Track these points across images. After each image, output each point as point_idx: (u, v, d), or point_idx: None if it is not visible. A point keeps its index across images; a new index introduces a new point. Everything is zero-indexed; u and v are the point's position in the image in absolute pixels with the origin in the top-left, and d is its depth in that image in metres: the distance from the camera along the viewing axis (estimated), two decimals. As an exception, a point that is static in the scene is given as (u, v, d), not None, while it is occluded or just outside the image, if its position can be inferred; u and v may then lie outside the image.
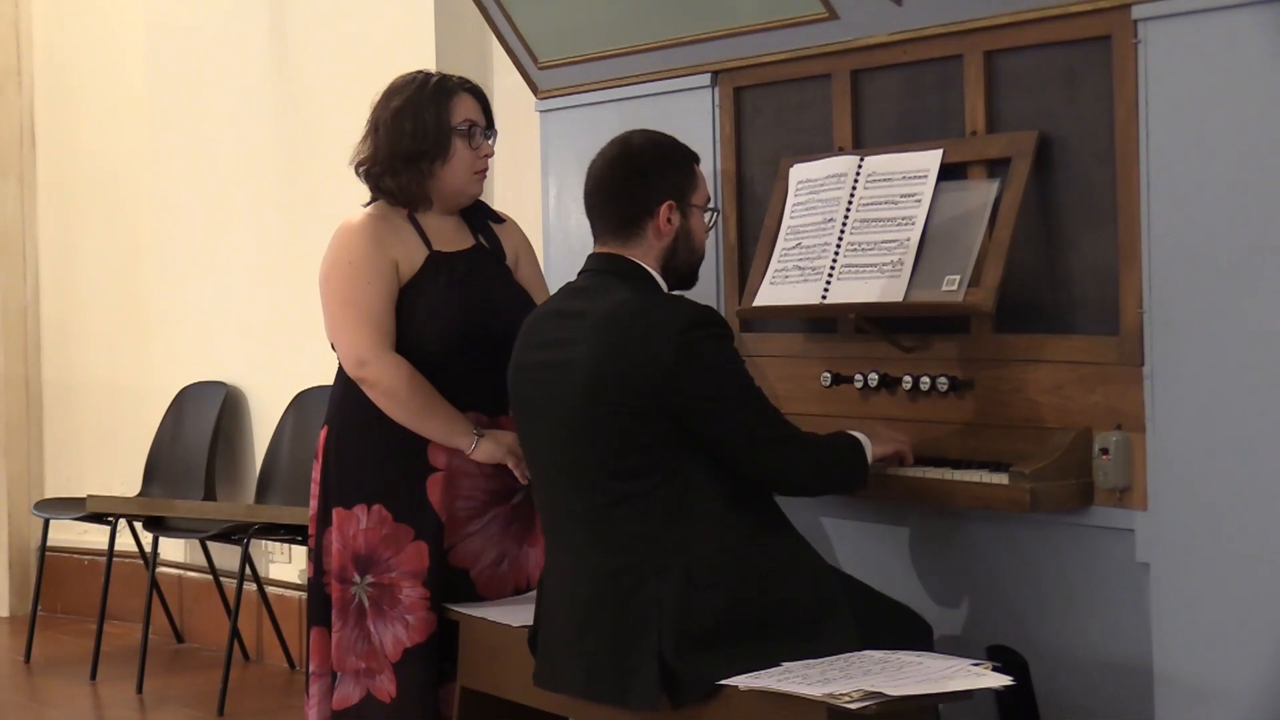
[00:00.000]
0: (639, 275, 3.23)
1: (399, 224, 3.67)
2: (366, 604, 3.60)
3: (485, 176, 3.74)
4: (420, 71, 3.74)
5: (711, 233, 3.41)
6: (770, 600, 3.08)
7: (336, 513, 3.64)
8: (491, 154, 3.73)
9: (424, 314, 3.61)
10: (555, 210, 4.39)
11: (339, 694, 3.63)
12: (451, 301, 3.62)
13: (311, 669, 3.71)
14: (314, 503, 3.72)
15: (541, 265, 4.37)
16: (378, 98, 3.72)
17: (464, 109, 3.67)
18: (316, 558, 3.70)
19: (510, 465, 3.59)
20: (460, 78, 3.75)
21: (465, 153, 3.66)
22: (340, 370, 3.68)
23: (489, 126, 3.72)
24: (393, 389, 3.56)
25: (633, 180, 3.26)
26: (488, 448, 3.58)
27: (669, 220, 3.24)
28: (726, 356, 3.13)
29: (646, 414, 3.07)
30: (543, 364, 3.23)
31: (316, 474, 3.72)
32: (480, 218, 3.78)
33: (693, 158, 3.34)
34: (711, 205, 3.37)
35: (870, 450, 3.26)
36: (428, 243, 3.66)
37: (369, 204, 3.73)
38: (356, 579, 3.61)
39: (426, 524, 3.60)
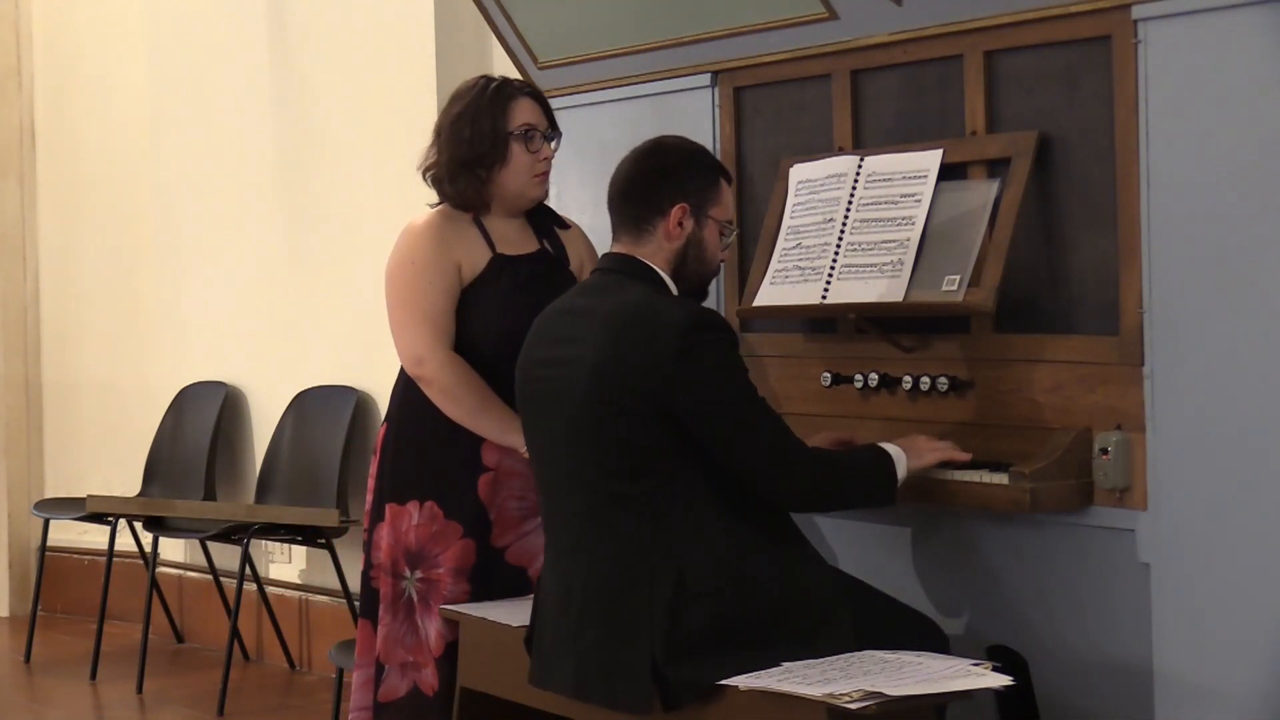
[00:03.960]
0: (649, 276, 3.22)
1: (464, 226, 3.71)
2: (415, 599, 3.66)
3: (547, 179, 3.77)
4: (483, 77, 3.78)
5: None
6: (764, 611, 3.06)
7: (390, 508, 3.70)
8: (551, 157, 3.76)
9: (484, 315, 3.66)
10: (555, 210, 4.38)
11: (386, 686, 3.69)
12: (512, 304, 3.65)
13: (355, 659, 3.79)
14: (369, 497, 3.79)
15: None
16: (443, 104, 3.78)
17: (522, 113, 3.71)
18: (367, 551, 3.76)
19: None
20: (520, 81, 3.81)
21: (523, 157, 3.70)
22: (402, 369, 3.73)
23: (551, 129, 3.76)
24: (449, 387, 3.62)
25: (652, 177, 3.25)
26: None
27: (680, 224, 3.22)
28: (728, 362, 3.10)
29: (646, 415, 3.06)
30: (549, 360, 3.23)
31: (373, 469, 3.78)
32: (545, 222, 3.82)
33: (721, 171, 3.32)
34: (732, 225, 3.32)
35: (904, 465, 3.19)
36: (492, 245, 3.70)
37: (437, 204, 3.77)
38: (407, 574, 3.67)
39: (475, 521, 3.66)
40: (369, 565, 3.76)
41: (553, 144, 3.76)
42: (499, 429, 3.63)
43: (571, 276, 3.78)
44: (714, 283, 3.88)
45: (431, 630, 3.65)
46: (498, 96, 3.71)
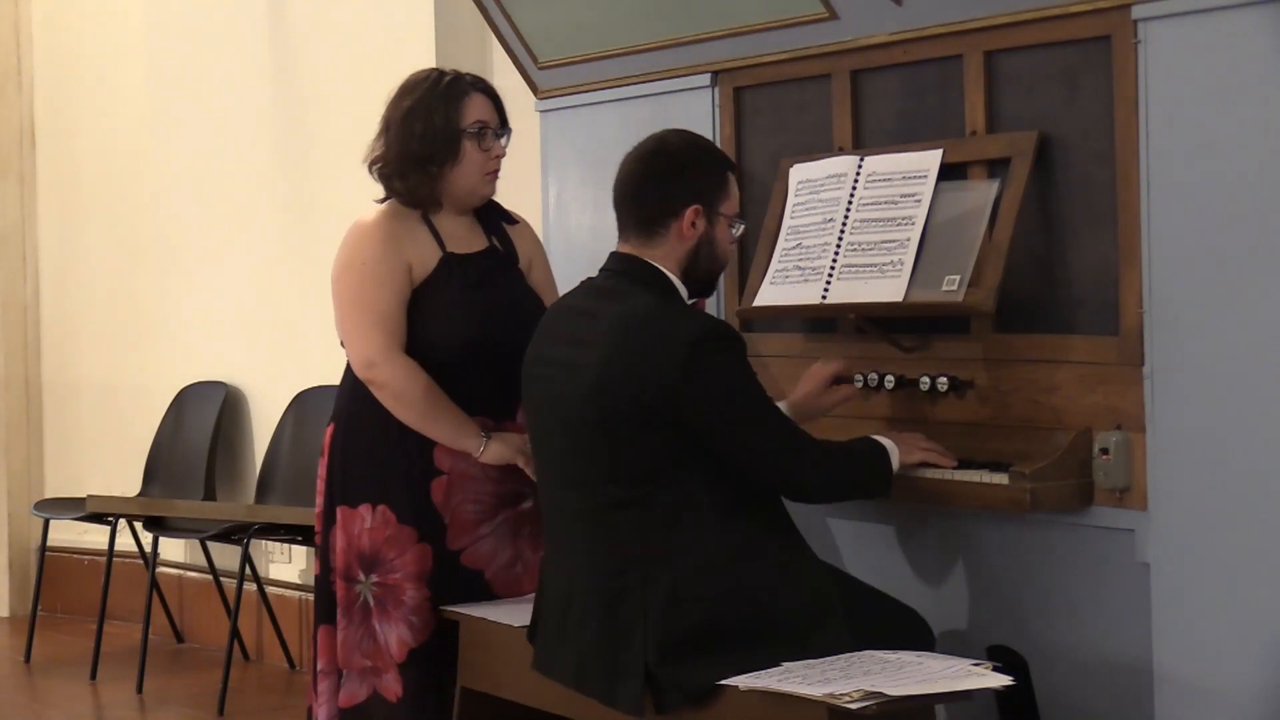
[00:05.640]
0: (658, 280, 3.20)
1: (413, 224, 3.65)
2: (372, 603, 3.60)
3: (497, 177, 3.71)
4: (434, 69, 3.71)
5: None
6: (756, 617, 3.06)
7: (341, 511, 3.64)
8: (503, 154, 3.70)
9: (436, 317, 3.60)
10: (555, 210, 4.39)
11: (345, 692, 3.63)
12: (464, 305, 3.61)
13: (319, 667, 3.70)
14: (319, 499, 3.72)
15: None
16: (392, 94, 3.70)
17: (475, 110, 3.65)
18: (323, 555, 3.70)
19: (520, 464, 3.59)
20: (473, 76, 3.72)
21: (475, 155, 3.64)
22: (349, 368, 3.68)
23: (503, 125, 3.70)
24: (402, 391, 3.56)
25: (663, 179, 3.22)
26: (496, 449, 3.58)
27: (693, 225, 3.21)
28: (733, 370, 3.09)
29: (647, 424, 3.07)
30: (555, 360, 3.23)
31: (322, 471, 3.71)
32: (493, 218, 3.76)
33: (728, 165, 3.30)
34: (740, 219, 3.31)
35: (896, 458, 3.23)
36: (441, 244, 3.64)
37: (383, 200, 3.71)
38: (361, 578, 3.61)
39: (430, 526, 3.60)
40: (326, 569, 3.67)
41: (503, 140, 3.69)
42: (452, 434, 3.57)
43: (520, 274, 3.73)
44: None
45: (392, 636, 3.58)
46: (451, 91, 3.63)
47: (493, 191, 3.73)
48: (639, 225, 3.23)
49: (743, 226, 3.35)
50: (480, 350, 3.59)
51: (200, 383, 6.45)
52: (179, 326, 6.63)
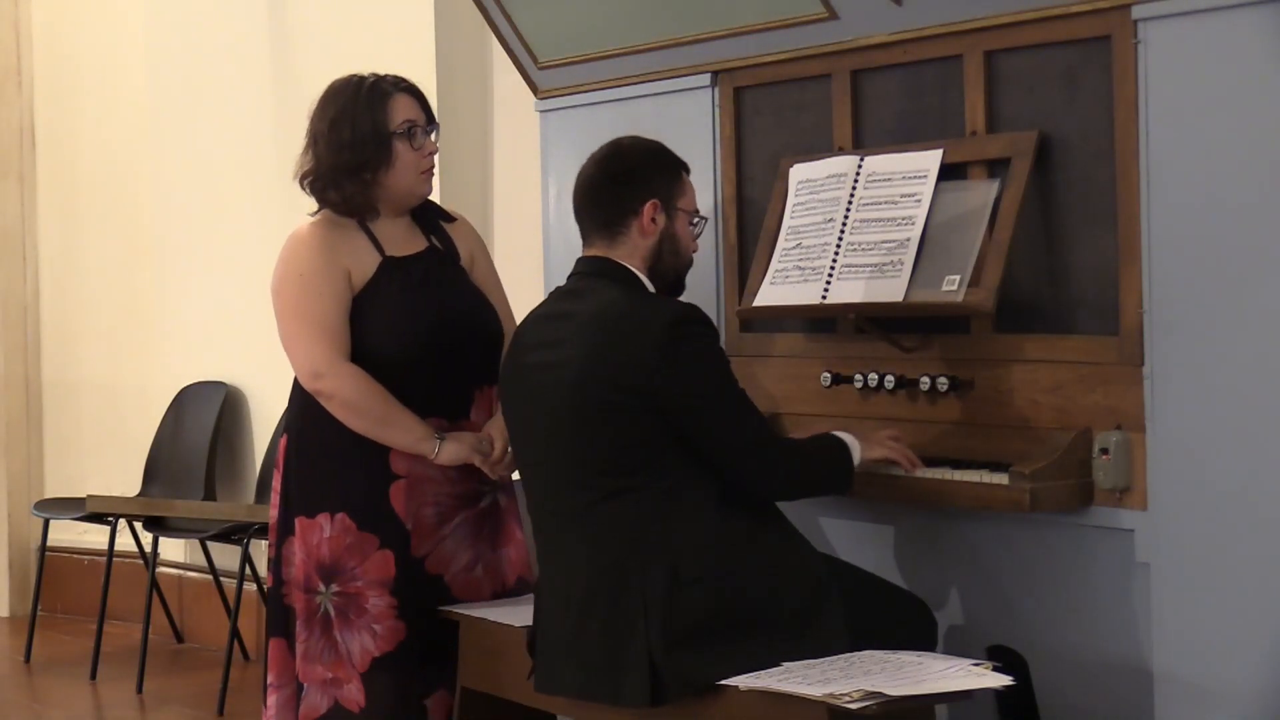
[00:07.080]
0: (626, 277, 3.24)
1: (349, 231, 3.62)
2: (332, 613, 3.56)
3: (433, 174, 3.67)
4: (352, 76, 3.65)
5: (709, 236, 3.41)
6: (757, 598, 3.08)
7: (299, 521, 3.60)
8: (436, 150, 3.66)
9: (380, 322, 3.57)
10: (555, 210, 4.39)
11: (306, 704, 3.58)
12: (407, 308, 3.57)
13: (269, 680, 3.66)
14: (274, 511, 3.68)
15: (542, 265, 4.38)
16: (314, 107, 3.65)
17: (401, 110, 3.60)
18: (276, 568, 3.65)
19: (476, 463, 3.57)
20: (394, 77, 3.67)
21: (409, 155, 3.60)
22: (297, 380, 3.65)
23: (430, 122, 3.65)
24: (351, 401, 3.53)
25: (619, 179, 3.28)
26: (451, 449, 3.55)
27: (653, 220, 3.26)
28: (710, 355, 3.14)
29: (634, 411, 3.09)
30: (533, 366, 3.24)
31: (277, 483, 3.68)
32: (431, 217, 3.72)
33: (681, 165, 3.35)
34: (700, 215, 3.36)
35: (858, 453, 3.25)
36: (380, 248, 3.61)
37: (316, 213, 3.67)
38: (321, 588, 3.57)
39: (392, 532, 3.56)
40: (279, 582, 3.63)
41: (433, 136, 3.65)
42: (406, 438, 3.53)
43: (463, 272, 3.70)
44: (714, 284, 3.90)
45: (355, 645, 3.54)
46: (374, 95, 3.59)
47: (429, 191, 3.69)
48: (601, 228, 3.28)
49: (704, 223, 3.39)
50: (428, 351, 3.56)
51: (200, 383, 6.45)
52: (179, 326, 6.62)
